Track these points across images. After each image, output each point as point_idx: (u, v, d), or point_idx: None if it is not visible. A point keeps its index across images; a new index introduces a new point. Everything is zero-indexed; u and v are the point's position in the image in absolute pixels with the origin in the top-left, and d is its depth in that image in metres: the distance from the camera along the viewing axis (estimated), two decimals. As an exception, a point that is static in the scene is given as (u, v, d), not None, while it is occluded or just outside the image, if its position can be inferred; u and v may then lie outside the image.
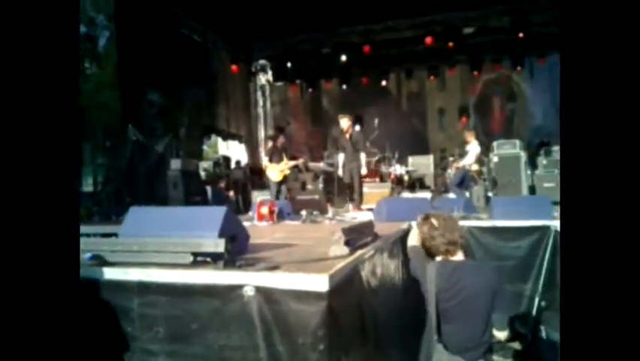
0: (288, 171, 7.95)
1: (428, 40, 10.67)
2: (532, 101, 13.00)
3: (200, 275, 1.94)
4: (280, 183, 7.87)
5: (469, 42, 11.38)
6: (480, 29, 10.90)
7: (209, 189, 8.45)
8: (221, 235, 2.17)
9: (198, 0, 8.92)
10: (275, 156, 7.99)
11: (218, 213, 2.35)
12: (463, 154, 8.69)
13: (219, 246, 2.01)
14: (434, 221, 2.39)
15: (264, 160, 8.50)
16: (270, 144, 8.72)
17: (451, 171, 9.25)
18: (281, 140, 8.33)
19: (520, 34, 10.14)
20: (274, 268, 1.97)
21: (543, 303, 4.28)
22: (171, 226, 2.33)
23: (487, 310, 2.20)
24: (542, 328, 4.15)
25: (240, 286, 1.85)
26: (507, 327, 2.29)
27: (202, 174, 9.08)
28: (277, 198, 7.27)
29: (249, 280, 1.87)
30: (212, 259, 2.05)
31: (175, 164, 7.71)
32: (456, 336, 2.21)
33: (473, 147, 8.36)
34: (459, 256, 2.31)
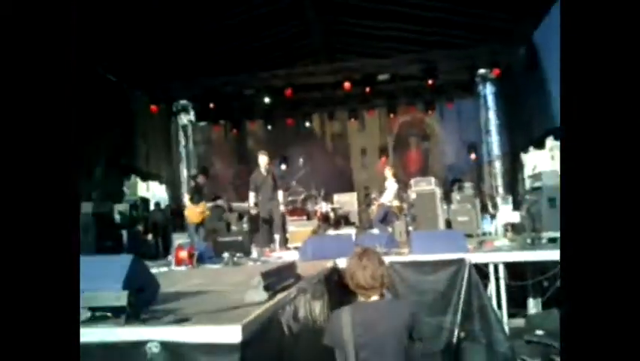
0: (208, 212, 7.65)
1: (346, 85, 11.20)
2: (443, 141, 14.02)
3: (97, 332, 1.73)
4: (198, 225, 7.55)
5: (385, 87, 12.15)
6: (394, 76, 11.71)
7: (124, 233, 7.88)
8: (126, 287, 1.98)
9: (113, 41, 8.61)
10: (195, 196, 7.71)
11: (123, 262, 2.16)
12: (382, 191, 9.02)
13: (121, 299, 1.83)
14: (364, 256, 2.36)
15: (185, 199, 8.13)
16: (192, 183, 8.38)
17: (373, 208, 9.53)
18: (200, 179, 8.05)
19: (430, 81, 11.02)
20: (182, 320, 1.82)
21: (462, 334, 4.42)
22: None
23: (402, 346, 2.19)
24: (462, 358, 4.27)
25: (143, 343, 1.68)
26: None
27: (117, 217, 8.47)
28: (193, 240, 6.94)
29: (153, 335, 1.71)
30: (113, 314, 1.86)
31: (85, 207, 7.16)
32: None
33: (391, 184, 8.72)
34: (375, 297, 2.29)
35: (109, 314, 1.86)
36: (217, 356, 1.65)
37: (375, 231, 8.37)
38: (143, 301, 2.06)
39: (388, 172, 8.94)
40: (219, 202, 8.31)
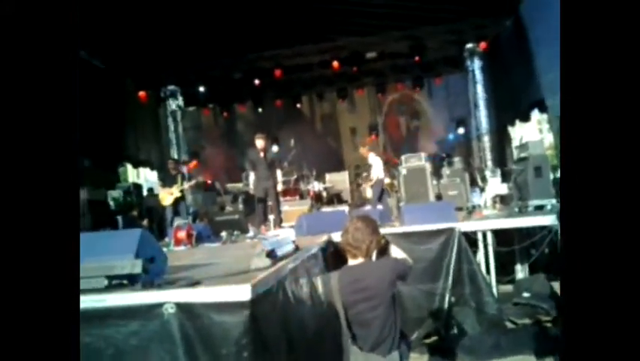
0: (179, 194, 7.88)
1: (335, 64, 11.22)
2: (433, 117, 14.15)
3: (116, 298, 1.87)
4: (174, 207, 7.80)
5: (373, 66, 12.18)
6: (381, 54, 11.73)
7: (120, 218, 7.98)
8: (138, 257, 2.11)
9: (100, 27, 8.50)
10: (167, 180, 8.01)
11: (133, 235, 2.28)
12: (369, 170, 9.08)
13: (136, 267, 1.97)
14: (351, 222, 2.52)
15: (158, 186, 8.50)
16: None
17: (365, 186, 9.69)
18: (171, 164, 8.30)
19: (417, 58, 11.08)
20: (195, 283, 1.97)
21: (453, 299, 4.64)
22: (84, 252, 2.22)
23: (390, 299, 2.33)
24: (453, 322, 4.49)
25: (160, 305, 1.83)
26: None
27: (111, 203, 8.54)
28: (171, 224, 7.12)
29: (169, 297, 1.85)
30: (130, 281, 2.00)
31: (80, 194, 7.21)
32: (369, 335, 2.31)
33: (374, 160, 8.80)
34: (358, 260, 2.43)
35: (125, 282, 2.00)
36: (228, 313, 1.80)
37: (368, 207, 8.55)
38: (154, 270, 2.20)
39: (366, 150, 9.02)
40: (193, 183, 8.44)
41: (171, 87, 12.76)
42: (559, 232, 4.77)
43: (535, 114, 10.11)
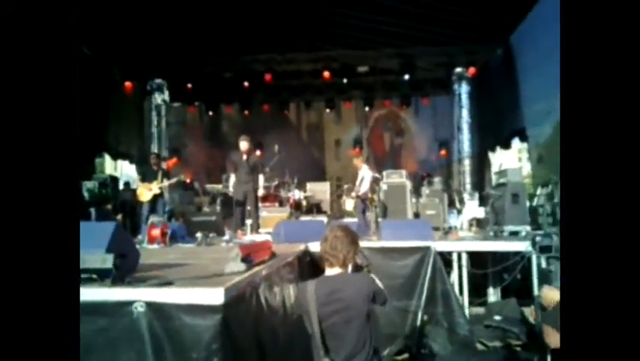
0: (158, 191, 7.63)
1: (326, 74, 11.28)
2: (417, 137, 14.34)
3: (85, 293, 1.79)
4: (151, 204, 7.55)
5: (363, 80, 12.31)
6: (372, 69, 11.87)
7: (93, 210, 7.76)
8: (109, 251, 2.05)
9: (89, 13, 8.33)
10: (147, 175, 7.71)
11: (106, 228, 2.22)
12: (356, 181, 9.10)
13: (107, 261, 1.90)
14: (331, 230, 2.49)
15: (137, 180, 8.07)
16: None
17: (345, 198, 9.69)
18: (153, 159, 8.00)
19: (407, 76, 11.25)
20: (167, 283, 1.91)
21: (425, 317, 4.65)
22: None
23: (365, 314, 2.31)
24: (425, 341, 4.50)
25: (130, 303, 1.77)
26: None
27: (85, 194, 8.31)
28: (146, 220, 6.88)
29: (139, 296, 1.79)
30: (99, 276, 1.93)
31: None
32: (342, 347, 2.28)
33: (366, 173, 8.84)
34: (335, 270, 2.40)
35: (94, 276, 1.93)
36: (200, 316, 1.75)
37: (346, 219, 8.55)
38: (126, 266, 2.13)
39: (360, 161, 9.04)
40: (174, 181, 8.15)
41: (158, 80, 12.59)
42: (531, 258, 4.87)
43: (516, 143, 10.37)
